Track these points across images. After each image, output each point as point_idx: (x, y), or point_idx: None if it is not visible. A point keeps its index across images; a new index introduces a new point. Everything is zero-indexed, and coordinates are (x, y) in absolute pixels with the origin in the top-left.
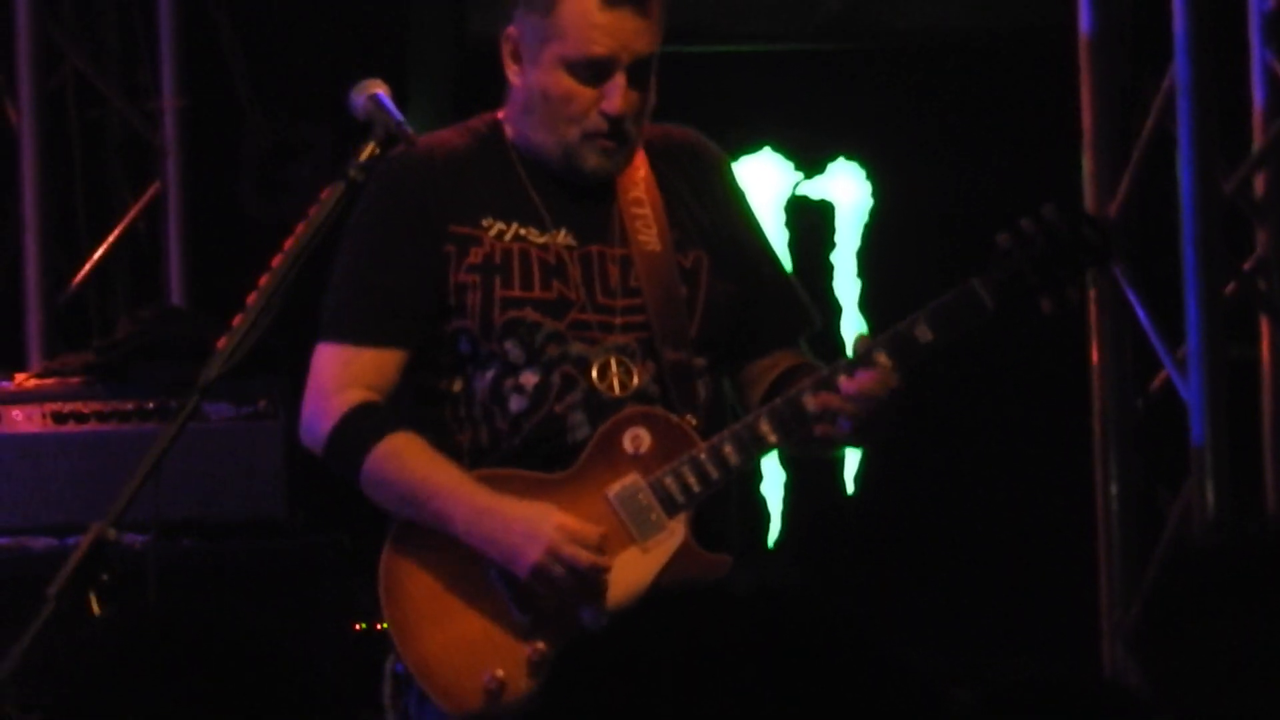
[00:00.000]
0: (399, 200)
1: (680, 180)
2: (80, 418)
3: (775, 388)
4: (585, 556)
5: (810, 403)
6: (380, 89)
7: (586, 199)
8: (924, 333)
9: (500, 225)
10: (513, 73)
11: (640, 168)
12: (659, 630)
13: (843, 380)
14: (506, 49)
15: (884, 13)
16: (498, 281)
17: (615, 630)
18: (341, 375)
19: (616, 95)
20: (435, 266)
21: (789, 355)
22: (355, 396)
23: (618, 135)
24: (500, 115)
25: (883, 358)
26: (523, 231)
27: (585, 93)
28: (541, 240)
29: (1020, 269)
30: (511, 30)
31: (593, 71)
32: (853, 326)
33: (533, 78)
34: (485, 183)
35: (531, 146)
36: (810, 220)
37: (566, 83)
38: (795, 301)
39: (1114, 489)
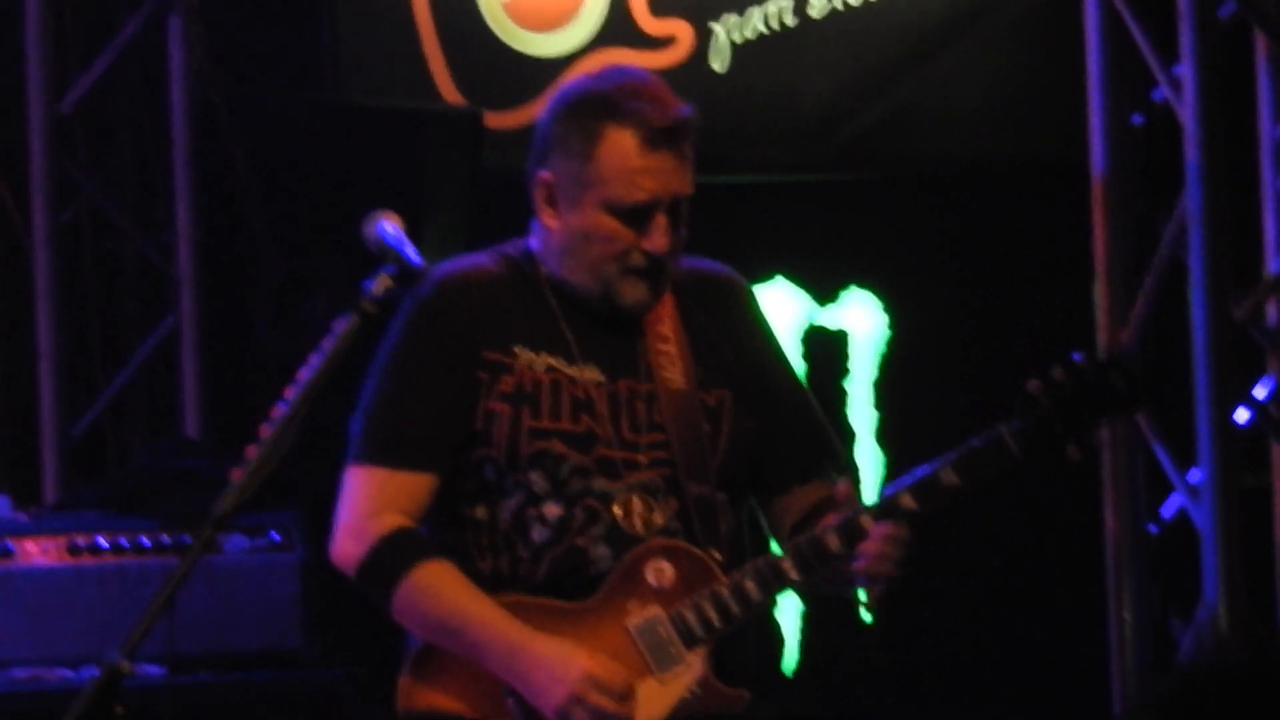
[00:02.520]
0: (436, 324)
1: (705, 316)
2: (95, 550)
3: (808, 518)
4: (611, 706)
5: (833, 542)
6: (392, 222)
7: (615, 334)
8: (950, 478)
9: (531, 354)
10: (547, 216)
11: (666, 304)
12: None
13: (865, 523)
14: (540, 194)
15: (896, 142)
16: (526, 412)
17: None
18: (377, 499)
19: (658, 235)
20: (469, 393)
21: (821, 486)
22: (391, 522)
23: (658, 271)
24: (531, 243)
25: (908, 500)
26: (553, 362)
27: (627, 234)
28: (570, 372)
29: (1048, 417)
30: (546, 175)
31: (634, 214)
32: (868, 456)
33: (572, 220)
34: (518, 312)
35: (568, 283)
36: (825, 350)
37: (609, 225)
38: (822, 433)
39: (1127, 615)
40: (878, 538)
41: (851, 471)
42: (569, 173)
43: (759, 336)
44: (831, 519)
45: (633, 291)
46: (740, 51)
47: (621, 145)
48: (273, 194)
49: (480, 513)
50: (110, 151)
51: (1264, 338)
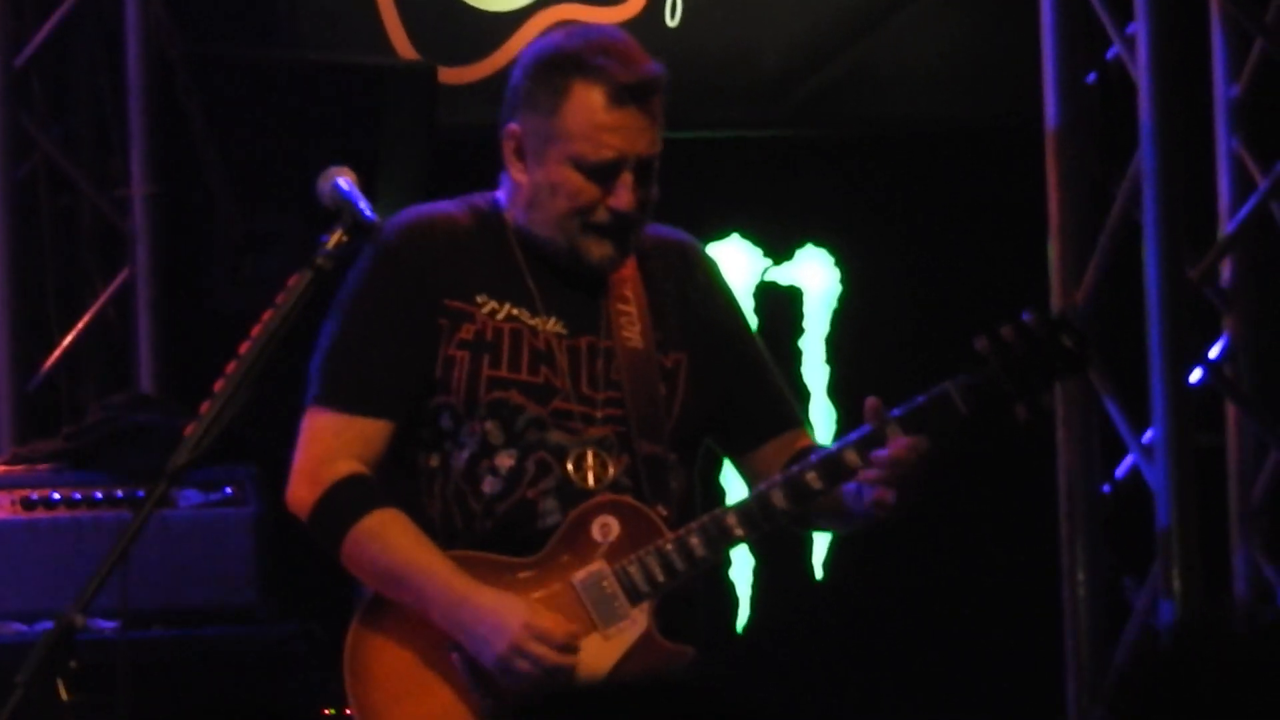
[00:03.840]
0: (397, 271)
1: (667, 281)
2: (49, 504)
3: (793, 465)
4: (551, 656)
5: (778, 499)
6: (347, 177)
7: (579, 290)
8: (896, 434)
9: (494, 304)
10: (515, 169)
11: (629, 267)
12: None
13: (810, 481)
14: (509, 146)
15: (852, 101)
16: (486, 360)
17: None
18: (332, 444)
19: (624, 193)
20: (428, 339)
21: (796, 435)
22: (344, 468)
23: (624, 229)
24: (499, 196)
25: (853, 457)
26: (515, 312)
27: (593, 190)
28: (533, 323)
29: (996, 375)
30: (514, 128)
31: (600, 171)
32: (821, 412)
33: (538, 175)
34: (483, 261)
35: (534, 236)
36: (779, 306)
37: (575, 180)
38: (782, 401)
39: (1080, 575)
40: (898, 447)
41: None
42: (536, 127)
43: (720, 301)
44: (776, 478)
45: (598, 248)
46: (694, 6)
47: (588, 101)
48: (228, 150)
49: (434, 461)
50: (66, 106)
51: (1218, 298)
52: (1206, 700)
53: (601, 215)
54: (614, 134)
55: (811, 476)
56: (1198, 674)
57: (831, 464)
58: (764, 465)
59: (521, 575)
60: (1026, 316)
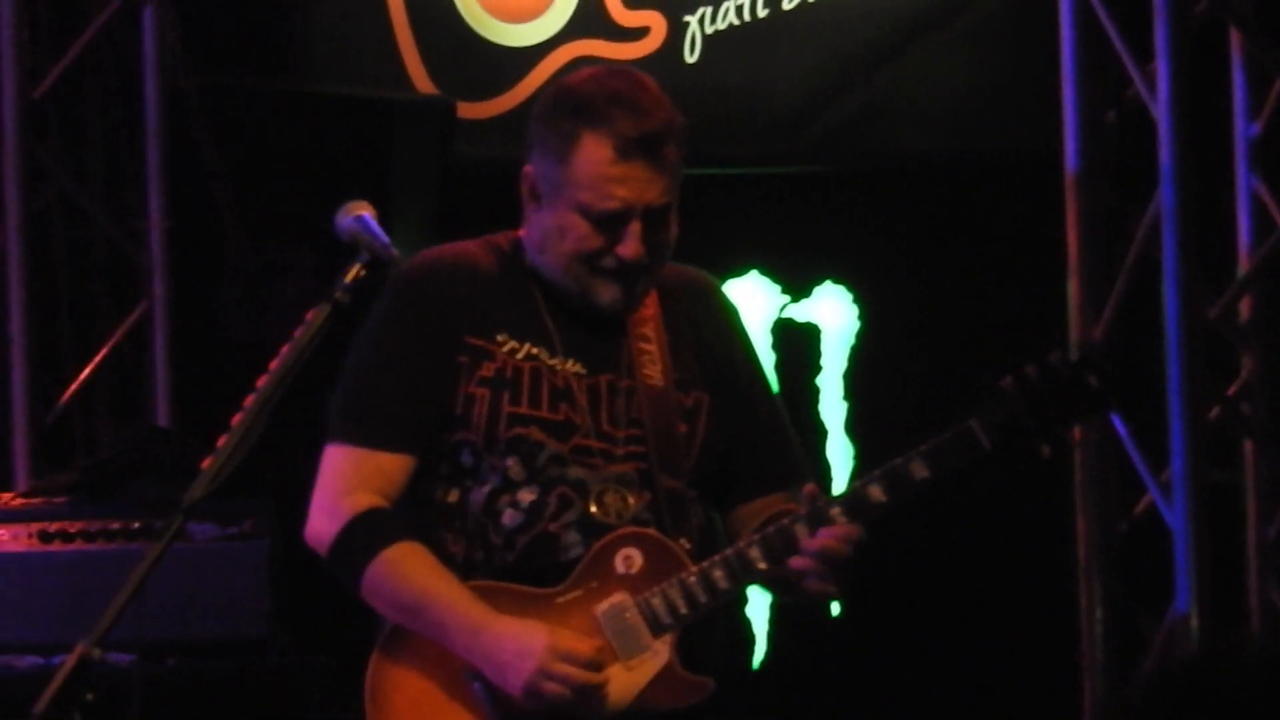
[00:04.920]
0: (417, 308)
1: (687, 322)
2: (66, 537)
3: (768, 526)
4: (579, 674)
5: (802, 532)
6: (365, 211)
7: (598, 331)
8: (919, 470)
9: (514, 343)
10: (530, 209)
11: (650, 305)
12: None
13: (834, 514)
14: (525, 186)
15: (869, 136)
16: (506, 397)
17: None
18: (352, 478)
19: (632, 242)
20: (448, 376)
21: (781, 499)
22: (364, 501)
23: (632, 277)
24: (522, 235)
25: (877, 492)
26: (535, 351)
27: (599, 238)
28: (552, 363)
29: (1020, 412)
30: (529, 170)
31: (607, 221)
32: (839, 449)
33: (549, 219)
34: (503, 301)
35: (548, 278)
36: (797, 343)
37: (583, 227)
38: (789, 453)
39: (1098, 613)
40: (832, 537)
41: (816, 480)
42: (547, 172)
43: (736, 345)
44: (800, 510)
45: (607, 292)
46: (712, 43)
47: (595, 153)
48: (243, 183)
49: (453, 497)
50: (82, 139)
51: (1236, 336)
52: None
53: (609, 262)
54: (621, 185)
55: (835, 511)
56: (1213, 706)
57: (858, 500)
58: (750, 518)
59: (543, 605)
60: (1052, 354)
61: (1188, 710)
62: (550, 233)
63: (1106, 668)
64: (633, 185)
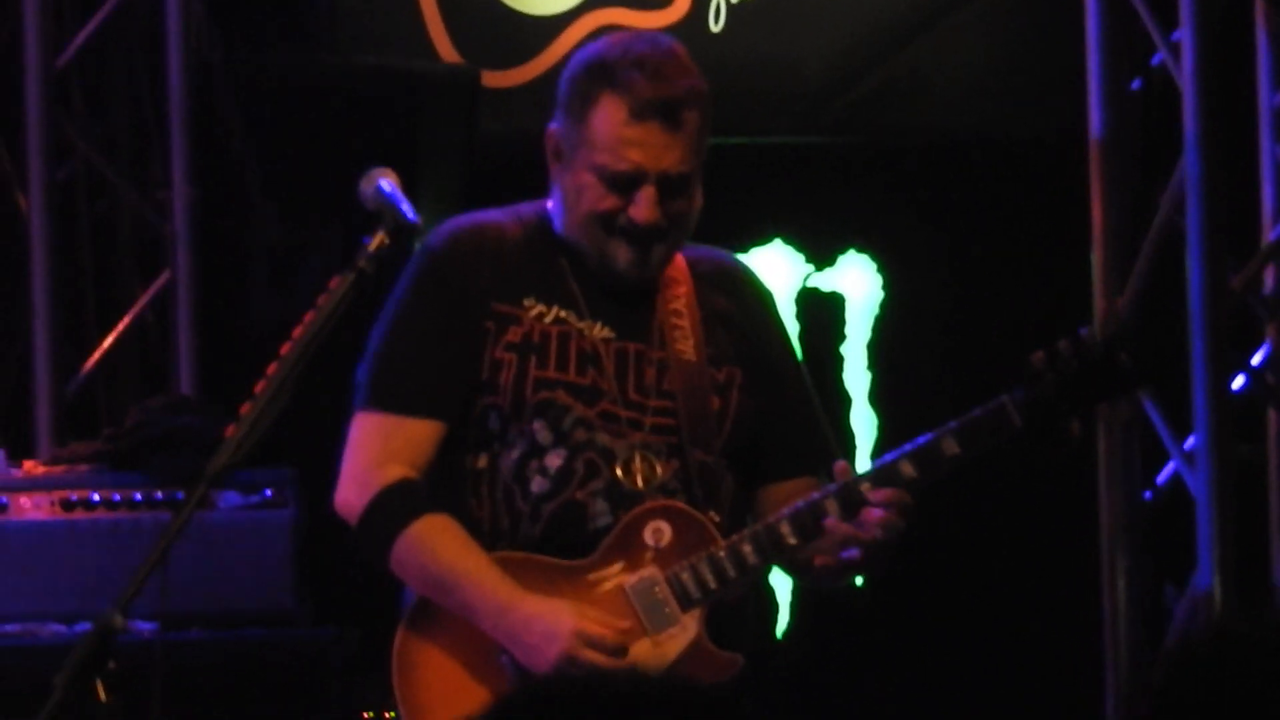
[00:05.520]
0: (443, 275)
1: (721, 303)
2: (89, 506)
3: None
4: (605, 662)
5: (832, 507)
6: (389, 179)
7: (626, 300)
8: (951, 446)
9: (541, 307)
10: (554, 170)
11: (684, 283)
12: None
13: (864, 490)
14: (549, 146)
15: (895, 109)
16: (533, 361)
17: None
18: (382, 448)
19: (644, 205)
20: (474, 342)
21: (810, 483)
22: (393, 473)
23: (646, 241)
24: (549, 204)
25: (908, 468)
26: (563, 314)
27: (614, 199)
28: (580, 326)
29: (1052, 390)
30: (553, 129)
31: (620, 182)
32: (862, 419)
33: (568, 179)
34: (530, 266)
35: (572, 242)
36: (821, 312)
37: (598, 188)
38: (820, 432)
39: (1121, 584)
40: (881, 501)
41: (843, 453)
42: (568, 132)
43: (770, 326)
44: (830, 487)
45: (621, 254)
46: (738, 13)
47: (611, 114)
48: (269, 153)
49: (482, 462)
50: (107, 109)
51: (1261, 306)
52: (1244, 705)
53: (624, 222)
54: (634, 147)
55: (865, 486)
56: (1236, 679)
57: (888, 476)
58: (779, 502)
59: (571, 578)
60: (1083, 332)
61: (1208, 688)
62: (569, 193)
63: (1129, 640)
64: (647, 149)
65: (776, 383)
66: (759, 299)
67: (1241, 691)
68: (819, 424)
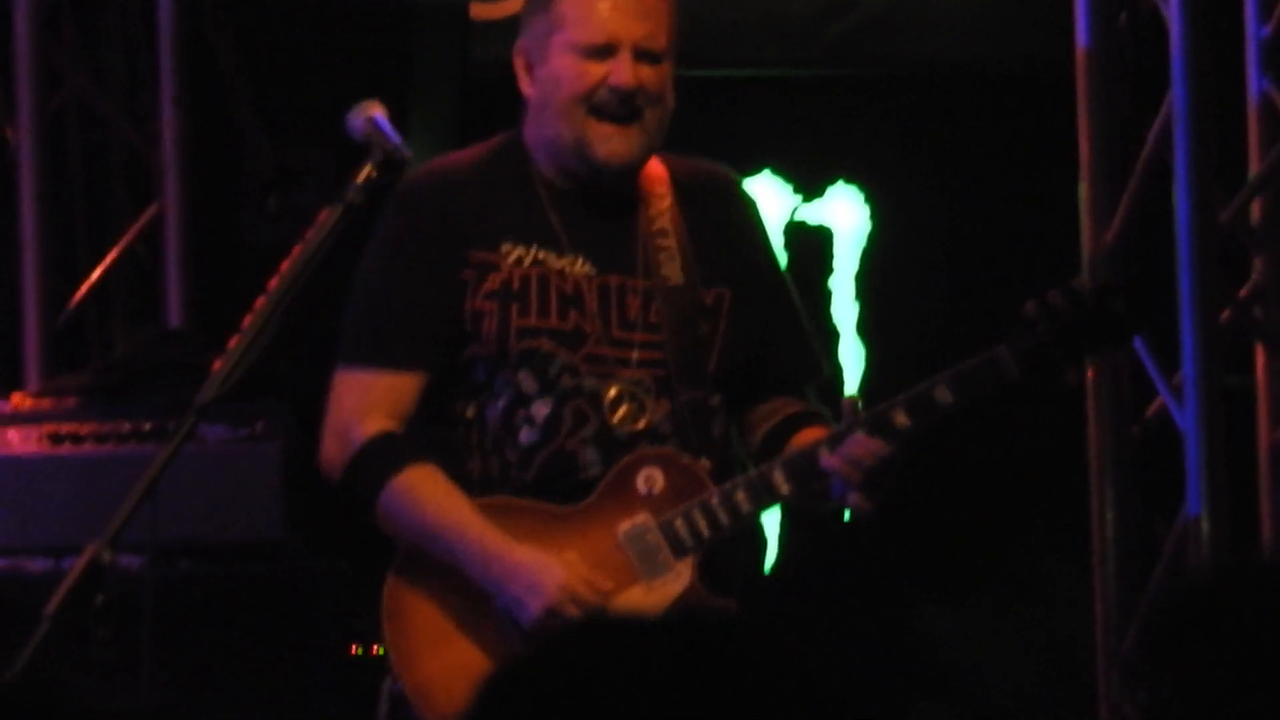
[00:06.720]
0: (418, 224)
1: (706, 214)
2: (77, 439)
3: (774, 433)
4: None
5: (825, 456)
6: (378, 111)
7: (608, 223)
8: (944, 395)
9: (519, 250)
10: (525, 84)
11: (665, 198)
12: (585, 660)
13: (853, 440)
14: (519, 64)
15: (883, 41)
16: (515, 310)
17: (542, 659)
18: (362, 401)
19: (623, 69)
20: (453, 292)
21: (791, 402)
22: (374, 426)
23: (627, 112)
24: (522, 134)
25: (902, 417)
26: (541, 255)
27: (592, 71)
28: (559, 265)
29: (1045, 340)
30: (521, 43)
31: (598, 53)
32: (850, 351)
33: (543, 73)
34: (505, 203)
35: (548, 150)
36: (809, 244)
37: (575, 65)
38: (807, 349)
39: (1110, 516)
40: (859, 444)
41: (835, 375)
42: (538, 26)
43: (756, 239)
44: (824, 434)
45: (603, 141)
46: None
47: None
48: (259, 85)
49: (470, 412)
50: (96, 41)
51: (1249, 239)
52: (1238, 638)
53: (603, 94)
54: (606, 17)
55: (859, 435)
56: (1229, 612)
57: (882, 424)
58: (759, 421)
59: (564, 524)
60: (1077, 281)
61: (1203, 616)
62: (546, 86)
63: (1119, 572)
64: (618, 17)
65: (764, 296)
66: (744, 208)
67: (1233, 625)
68: (806, 335)
